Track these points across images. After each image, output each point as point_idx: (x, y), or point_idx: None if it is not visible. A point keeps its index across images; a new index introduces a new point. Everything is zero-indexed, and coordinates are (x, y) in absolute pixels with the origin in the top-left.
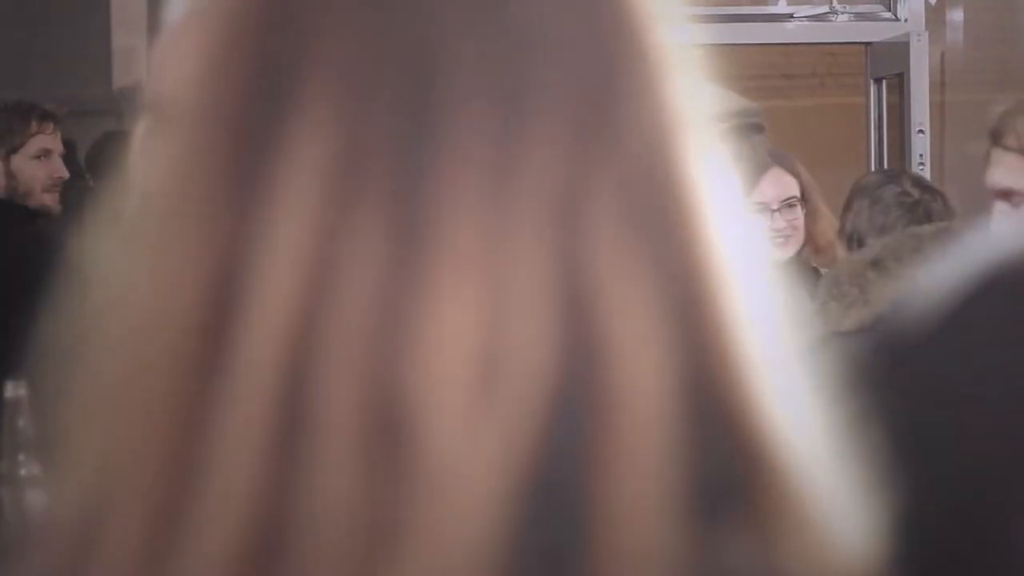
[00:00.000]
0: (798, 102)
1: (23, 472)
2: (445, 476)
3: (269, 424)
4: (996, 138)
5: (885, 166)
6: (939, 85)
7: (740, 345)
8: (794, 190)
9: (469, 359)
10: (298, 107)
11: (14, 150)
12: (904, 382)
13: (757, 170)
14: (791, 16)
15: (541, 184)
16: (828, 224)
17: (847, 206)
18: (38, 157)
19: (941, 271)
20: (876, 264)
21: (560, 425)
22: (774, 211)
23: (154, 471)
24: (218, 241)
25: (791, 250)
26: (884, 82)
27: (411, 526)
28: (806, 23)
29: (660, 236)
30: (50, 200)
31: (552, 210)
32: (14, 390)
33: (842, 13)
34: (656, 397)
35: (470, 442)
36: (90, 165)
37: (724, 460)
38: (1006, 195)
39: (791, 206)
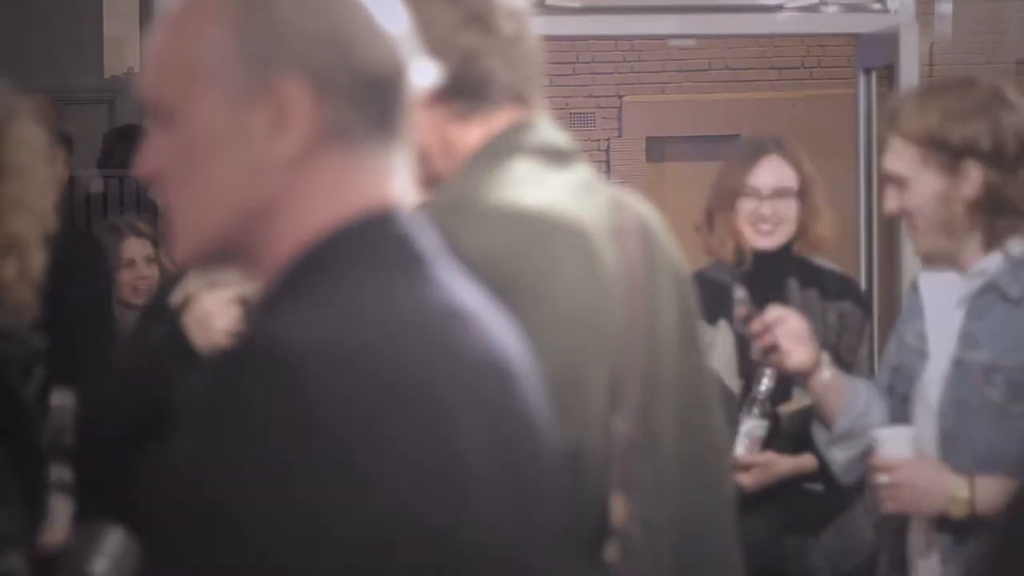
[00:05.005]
0: (787, 93)
1: (53, 477)
2: None
3: None
4: (890, 124)
5: (875, 157)
6: (928, 76)
7: None
8: (790, 181)
9: None
10: None
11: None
12: None
13: (755, 153)
14: (781, 7)
15: None
16: (826, 222)
17: None
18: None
19: None
20: None
21: None
22: (764, 198)
23: None
24: None
25: (776, 241)
26: (873, 73)
27: None
28: (795, 15)
29: None
30: None
31: None
32: (60, 398)
33: (831, 5)
34: None
35: None
36: (104, 157)
37: None
38: (895, 181)
39: (783, 196)
